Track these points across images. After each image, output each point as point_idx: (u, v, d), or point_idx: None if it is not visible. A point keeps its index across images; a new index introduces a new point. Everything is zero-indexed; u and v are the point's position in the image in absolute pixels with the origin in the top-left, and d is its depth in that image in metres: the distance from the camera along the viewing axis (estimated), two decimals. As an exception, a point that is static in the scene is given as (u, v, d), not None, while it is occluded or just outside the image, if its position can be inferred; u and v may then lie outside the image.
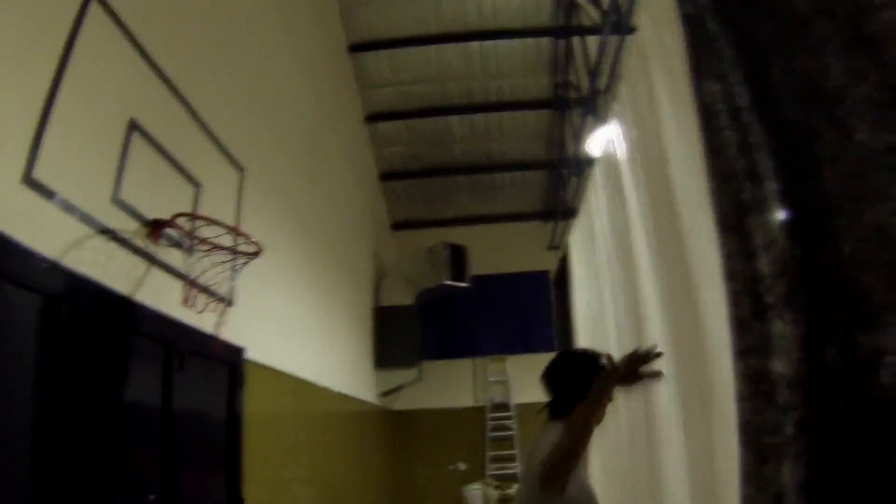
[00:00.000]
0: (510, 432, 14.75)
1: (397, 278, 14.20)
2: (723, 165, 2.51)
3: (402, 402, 14.75)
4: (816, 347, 2.07)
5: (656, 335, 4.56)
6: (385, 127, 14.63)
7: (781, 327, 2.21)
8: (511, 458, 14.48)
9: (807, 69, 2.03)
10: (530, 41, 12.83)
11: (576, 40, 11.10)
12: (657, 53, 4.03)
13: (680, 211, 3.65)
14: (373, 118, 14.27)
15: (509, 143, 15.38)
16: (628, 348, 3.73)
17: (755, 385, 2.36)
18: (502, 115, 14.55)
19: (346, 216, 12.15)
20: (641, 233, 4.74)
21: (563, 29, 11.79)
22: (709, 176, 2.65)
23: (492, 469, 14.47)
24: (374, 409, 13.06)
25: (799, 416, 2.14)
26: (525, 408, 14.33)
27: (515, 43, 12.88)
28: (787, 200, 2.22)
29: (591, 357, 3.72)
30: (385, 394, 13.61)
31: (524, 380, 14.56)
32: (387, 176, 15.69)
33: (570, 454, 3.06)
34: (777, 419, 2.23)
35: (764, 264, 2.29)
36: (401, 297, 13.99)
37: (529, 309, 15.22)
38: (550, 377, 3.68)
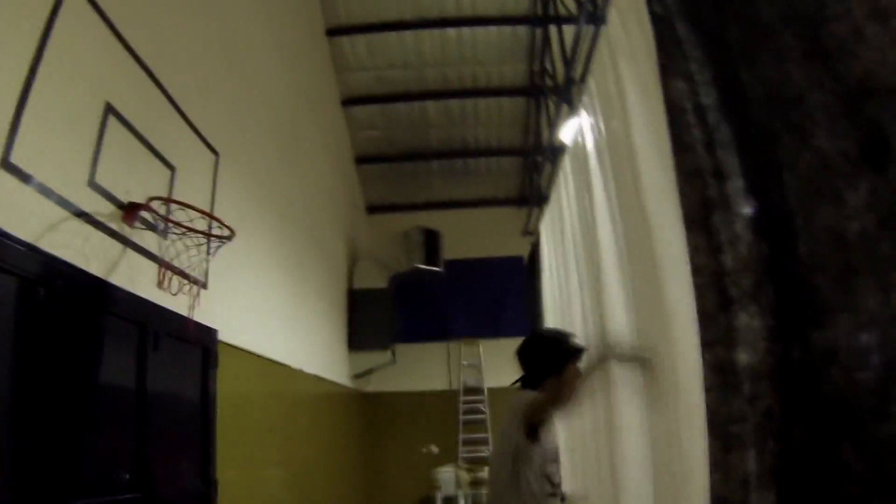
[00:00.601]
0: (482, 416, 14.79)
1: (371, 261, 14.26)
2: (689, 162, 2.57)
3: (375, 385, 14.80)
4: (780, 340, 2.13)
5: (620, 324, 4.64)
6: (361, 111, 14.62)
7: (746, 320, 2.28)
8: (483, 442, 14.52)
9: (769, 75, 2.09)
10: (507, 29, 12.86)
11: (552, 29, 11.13)
12: (626, 50, 4.10)
13: (646, 204, 3.72)
14: (349, 102, 14.27)
15: (485, 130, 15.41)
16: (592, 335, 3.88)
17: (721, 376, 2.43)
18: (478, 102, 14.58)
19: (321, 199, 12.15)
20: (607, 223, 4.82)
21: (540, 17, 11.82)
22: (676, 172, 2.72)
23: (463, 452, 14.50)
24: (347, 392, 13.10)
25: (764, 406, 2.21)
26: (497, 392, 14.38)
27: (492, 30, 12.90)
28: (752, 198, 2.28)
29: (558, 338, 4.20)
30: (358, 376, 13.66)
31: (497, 364, 14.59)
32: (362, 160, 15.68)
33: (548, 404, 3.68)
34: (743, 409, 2.30)
35: (729, 259, 2.36)
36: (374, 280, 14.05)
37: (503, 293, 15.27)
38: (523, 355, 4.19)
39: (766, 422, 2.21)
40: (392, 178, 16.51)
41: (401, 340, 14.62)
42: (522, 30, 12.82)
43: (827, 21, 1.87)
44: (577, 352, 3.99)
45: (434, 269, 14.08)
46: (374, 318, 13.61)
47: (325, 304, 11.86)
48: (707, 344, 2.48)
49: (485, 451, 14.32)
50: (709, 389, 2.49)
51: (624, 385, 4.62)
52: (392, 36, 12.96)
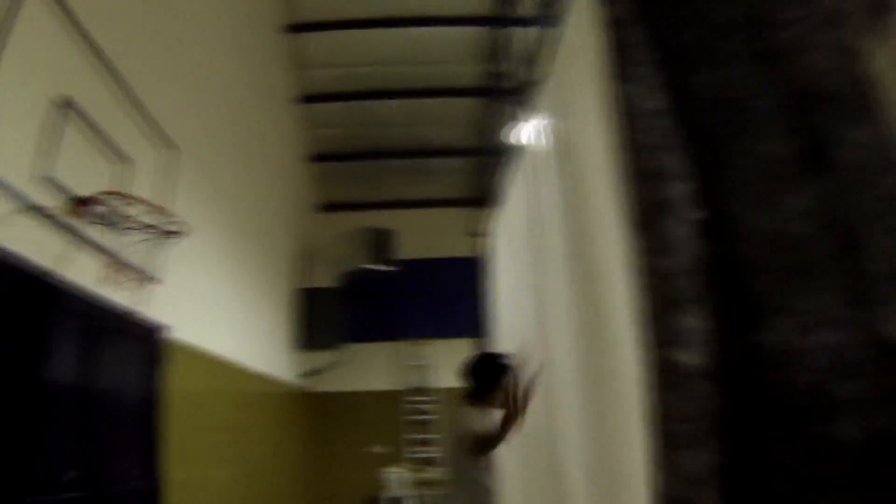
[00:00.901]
0: (428, 416, 14.81)
1: (323, 260, 14.25)
2: (637, 165, 2.60)
3: (324, 384, 14.76)
4: (723, 341, 2.17)
5: (563, 326, 4.70)
6: (320, 108, 14.62)
7: (690, 321, 2.31)
8: (429, 442, 14.54)
9: (718, 79, 2.14)
10: (468, 29, 12.91)
11: (511, 31, 11.19)
12: (580, 53, 4.13)
13: (594, 206, 3.75)
14: (309, 99, 14.25)
15: (442, 130, 15.45)
16: (539, 338, 4.04)
17: (665, 376, 2.46)
18: (437, 102, 14.62)
19: (275, 197, 12.14)
20: (555, 225, 4.86)
21: (501, 19, 11.88)
22: (624, 175, 2.75)
23: (409, 452, 14.52)
24: (296, 391, 13.10)
25: (708, 406, 2.24)
26: (444, 392, 14.38)
27: (453, 30, 12.95)
28: (699, 202, 2.31)
29: (501, 359, 5.17)
30: (307, 375, 13.65)
31: (444, 364, 14.59)
32: (320, 157, 15.66)
33: (490, 444, 4.64)
34: (687, 408, 2.33)
35: (674, 262, 2.39)
36: (326, 278, 14.06)
37: (454, 294, 15.24)
38: (469, 374, 5.10)
39: (710, 421, 2.24)
40: (349, 177, 16.51)
41: (351, 340, 14.61)
42: (483, 31, 12.87)
43: (777, 26, 1.91)
44: (510, 369, 4.98)
45: (386, 268, 14.14)
46: (324, 317, 13.62)
47: (277, 303, 11.86)
48: (651, 345, 2.51)
49: (431, 452, 14.33)
50: (652, 390, 2.52)
51: (565, 386, 4.68)
52: (354, 34, 12.98)
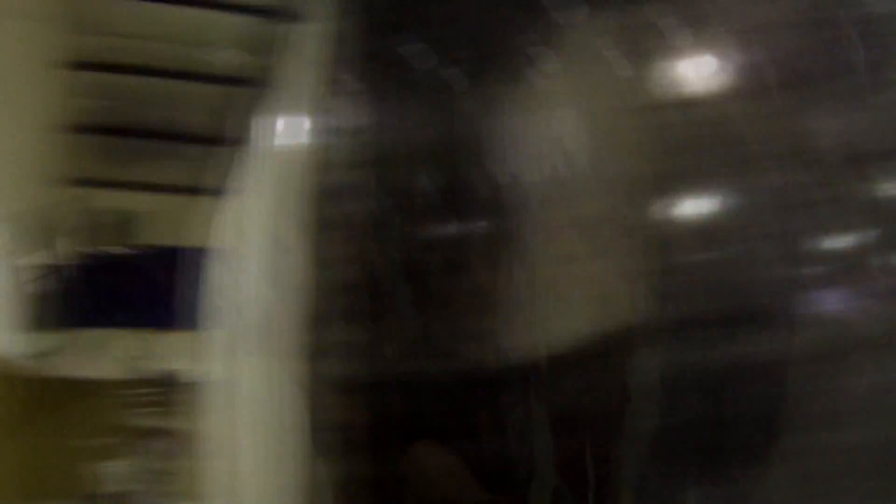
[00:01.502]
0: (155, 409, 14.42)
1: (60, 238, 13.71)
2: (320, 181, 2.60)
3: (50, 369, 14.10)
4: (370, 356, 2.17)
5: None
6: (88, 77, 14.01)
7: (343, 335, 2.30)
8: (155, 435, 14.16)
9: (400, 107, 2.13)
10: (250, 18, 12.75)
11: (282, 25, 11.17)
12: (303, 57, 4.12)
13: (279, 216, 3.73)
14: (77, 66, 13.63)
15: (203, 115, 15.12)
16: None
17: (312, 388, 2.44)
18: (207, 87, 14.32)
19: (18, 166, 11.54)
20: (254, 230, 4.86)
21: (274, 11, 11.82)
22: (305, 188, 2.73)
23: (133, 446, 14.10)
24: (18, 373, 12.48)
25: (353, 417, 2.23)
26: (171, 386, 14.01)
27: (237, 17, 12.76)
28: (372, 223, 2.30)
29: None
30: (32, 357, 13.04)
31: (175, 357, 14.27)
32: (74, 129, 15.01)
33: None
34: (325, 420, 2.32)
35: (333, 275, 2.37)
36: (62, 256, 13.53)
37: (191, 286, 14.95)
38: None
39: (355, 432, 2.23)
40: (105, 153, 15.89)
41: (81, 324, 14.07)
42: (264, 21, 12.76)
43: (451, 62, 1.91)
44: None
45: (126, 252, 13.77)
46: (55, 297, 13.08)
47: (6, 278, 11.30)
48: (304, 356, 2.49)
49: (157, 447, 13.95)
50: (304, 399, 2.50)
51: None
52: (132, 4, 12.53)
